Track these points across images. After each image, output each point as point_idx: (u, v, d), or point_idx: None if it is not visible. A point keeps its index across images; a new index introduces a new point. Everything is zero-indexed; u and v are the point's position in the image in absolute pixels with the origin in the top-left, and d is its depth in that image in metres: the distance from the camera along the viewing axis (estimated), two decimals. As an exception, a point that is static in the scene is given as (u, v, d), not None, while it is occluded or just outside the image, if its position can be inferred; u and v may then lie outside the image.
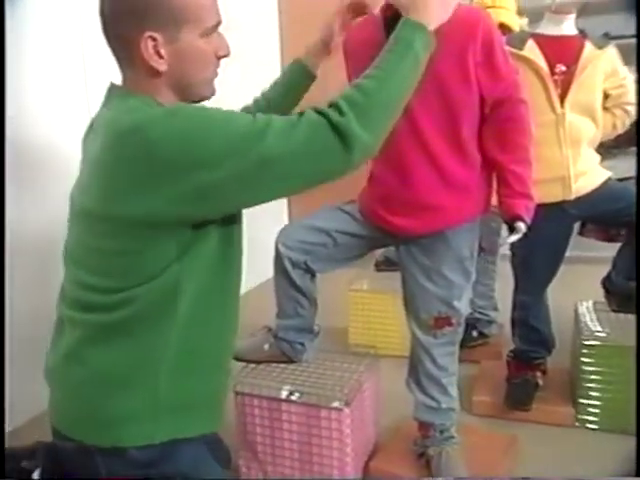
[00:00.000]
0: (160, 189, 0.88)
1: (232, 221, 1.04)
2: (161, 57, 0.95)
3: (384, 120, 1.00)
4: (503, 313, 2.62)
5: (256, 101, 1.49)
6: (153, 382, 0.99)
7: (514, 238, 1.48)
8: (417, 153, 1.49)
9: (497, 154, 1.50)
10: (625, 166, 3.21)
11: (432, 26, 1.08)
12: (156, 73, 0.97)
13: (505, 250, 2.19)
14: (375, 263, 2.80)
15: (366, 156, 0.97)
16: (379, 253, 2.74)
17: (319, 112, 0.93)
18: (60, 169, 1.53)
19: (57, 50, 1.57)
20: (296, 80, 1.47)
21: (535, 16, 2.83)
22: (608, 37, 3.35)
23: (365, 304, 2.70)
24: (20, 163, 1.40)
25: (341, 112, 0.92)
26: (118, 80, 1.03)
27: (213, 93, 1.06)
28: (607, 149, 2.73)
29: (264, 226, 2.38)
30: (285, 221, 3.31)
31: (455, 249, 1.56)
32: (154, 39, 0.94)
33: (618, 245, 2.14)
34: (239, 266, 1.10)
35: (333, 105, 0.94)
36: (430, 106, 1.45)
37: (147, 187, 0.89)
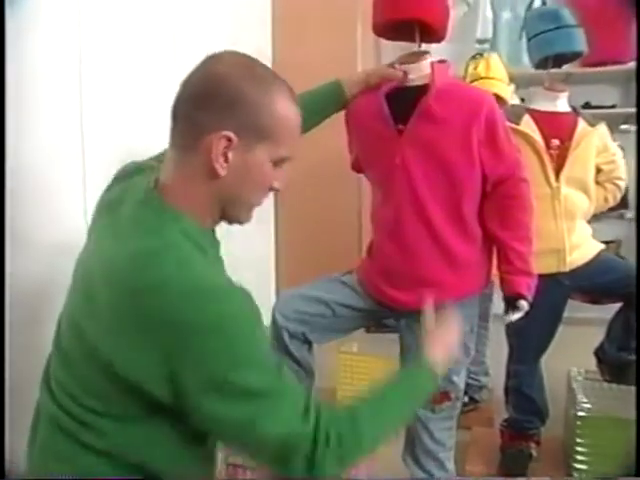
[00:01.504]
0: (153, 363, 0.82)
1: None
2: (226, 161, 0.88)
3: (361, 458, 0.96)
4: (494, 377, 2.62)
5: None
6: None
7: (517, 316, 1.48)
8: (419, 228, 1.50)
9: (498, 231, 1.52)
10: (609, 229, 3.28)
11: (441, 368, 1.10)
12: (213, 175, 0.89)
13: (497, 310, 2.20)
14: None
15: None
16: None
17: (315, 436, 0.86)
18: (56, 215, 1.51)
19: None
20: (328, 95, 1.49)
21: (522, 83, 2.94)
22: (589, 107, 3.49)
23: (354, 367, 2.67)
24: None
25: (327, 444, 0.86)
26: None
27: (249, 220, 1.00)
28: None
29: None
30: (272, 290, 3.24)
31: None
32: (229, 140, 0.87)
33: (607, 307, 2.17)
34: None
35: (323, 427, 0.87)
36: (433, 182, 1.48)
37: (141, 351, 0.83)
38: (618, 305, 2.05)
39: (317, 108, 1.48)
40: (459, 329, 1.47)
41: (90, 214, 1.56)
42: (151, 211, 0.91)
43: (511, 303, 1.49)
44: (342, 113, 1.60)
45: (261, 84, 0.90)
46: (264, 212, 2.95)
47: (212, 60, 0.93)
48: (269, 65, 2.92)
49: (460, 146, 1.45)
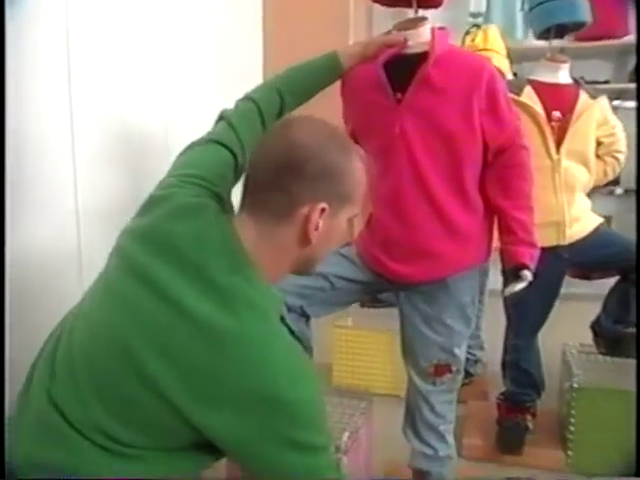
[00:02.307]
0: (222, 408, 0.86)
1: None
2: (317, 229, 0.93)
3: None
4: (488, 351, 2.63)
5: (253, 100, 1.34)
6: None
7: (520, 287, 1.47)
8: (419, 199, 1.47)
9: (499, 200, 1.50)
10: (599, 205, 3.29)
11: None
12: (305, 243, 0.94)
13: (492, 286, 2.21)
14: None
15: None
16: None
17: None
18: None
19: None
20: (324, 66, 1.45)
21: (515, 57, 2.91)
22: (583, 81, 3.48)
23: (350, 341, 2.67)
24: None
25: None
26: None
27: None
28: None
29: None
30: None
31: (456, 297, 1.54)
32: (323, 210, 0.92)
33: (601, 282, 2.18)
34: None
35: None
36: (433, 152, 1.44)
37: (208, 400, 0.86)
38: (612, 281, 2.07)
39: (312, 80, 1.45)
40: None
41: (80, 203, 1.57)
42: (250, 287, 0.92)
43: (514, 274, 1.47)
44: (337, 84, 1.55)
45: (346, 153, 0.96)
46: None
47: (293, 129, 0.96)
48: (260, 37, 2.86)
49: (460, 115, 1.42)
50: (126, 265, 0.97)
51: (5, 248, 1.12)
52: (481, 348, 2.67)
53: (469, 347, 2.59)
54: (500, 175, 1.49)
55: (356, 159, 0.98)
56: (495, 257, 1.60)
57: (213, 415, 0.86)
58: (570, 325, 2.36)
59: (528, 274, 1.45)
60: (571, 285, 2.38)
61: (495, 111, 1.44)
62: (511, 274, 1.49)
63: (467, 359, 2.58)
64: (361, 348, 2.64)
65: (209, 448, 0.92)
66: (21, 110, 1.32)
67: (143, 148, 1.85)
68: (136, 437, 0.89)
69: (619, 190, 3.76)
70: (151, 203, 1.04)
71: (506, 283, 1.52)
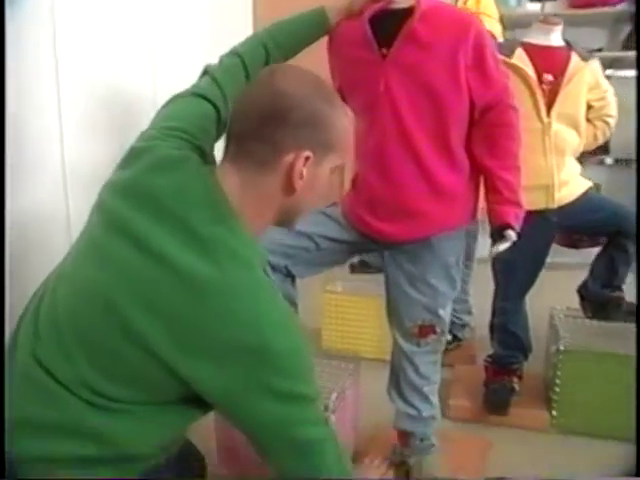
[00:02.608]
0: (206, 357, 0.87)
1: None
2: (301, 177, 0.93)
3: None
4: (476, 317, 2.66)
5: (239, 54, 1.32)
6: None
7: (504, 246, 1.46)
8: (404, 158, 1.45)
9: (486, 159, 1.48)
10: (589, 174, 3.30)
11: None
12: (290, 191, 0.95)
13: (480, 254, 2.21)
14: (350, 265, 2.78)
15: None
16: (354, 255, 2.72)
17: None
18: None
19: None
20: (311, 21, 1.44)
21: (508, 25, 2.88)
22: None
23: (339, 306, 2.67)
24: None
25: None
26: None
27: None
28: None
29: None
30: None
31: (441, 257, 1.54)
32: (308, 158, 0.92)
33: (588, 251, 2.19)
34: None
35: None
36: (419, 109, 1.42)
37: (193, 351, 0.87)
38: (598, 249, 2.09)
39: (299, 35, 1.42)
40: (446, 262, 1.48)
41: (68, 169, 1.56)
42: (233, 237, 0.92)
43: (499, 233, 1.46)
44: (324, 40, 1.52)
45: (330, 103, 0.96)
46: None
47: (277, 77, 0.95)
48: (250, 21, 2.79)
49: (446, 71, 1.39)
50: (107, 220, 0.96)
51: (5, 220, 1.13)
52: (469, 313, 2.68)
53: (456, 311, 2.63)
54: (487, 134, 1.47)
55: (340, 109, 0.98)
56: (486, 224, 1.60)
57: (199, 366, 0.87)
58: (557, 290, 2.38)
59: (512, 234, 1.45)
60: (559, 254, 2.41)
61: (482, 67, 1.41)
62: (496, 234, 1.48)
63: (454, 323, 2.62)
64: (350, 313, 2.65)
65: (197, 402, 0.92)
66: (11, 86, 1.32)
67: (131, 112, 1.83)
68: (123, 391, 0.90)
69: (609, 160, 3.77)
70: (132, 155, 1.03)
71: (493, 242, 1.52)
